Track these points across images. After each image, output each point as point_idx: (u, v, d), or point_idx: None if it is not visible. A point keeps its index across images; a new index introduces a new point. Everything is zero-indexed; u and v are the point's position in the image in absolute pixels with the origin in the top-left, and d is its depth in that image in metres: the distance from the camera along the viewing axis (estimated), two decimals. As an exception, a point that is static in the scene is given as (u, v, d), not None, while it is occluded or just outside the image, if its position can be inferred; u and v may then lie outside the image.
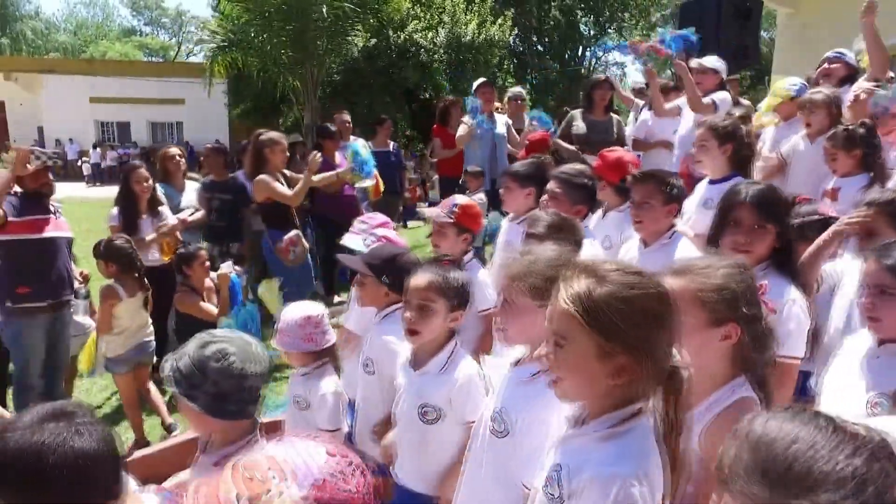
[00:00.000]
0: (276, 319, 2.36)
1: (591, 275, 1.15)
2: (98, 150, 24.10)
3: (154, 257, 4.49)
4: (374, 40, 14.79)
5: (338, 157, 5.88)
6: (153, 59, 45.30)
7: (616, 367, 1.12)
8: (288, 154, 5.03)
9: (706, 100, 4.39)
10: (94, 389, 4.52)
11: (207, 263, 4.39)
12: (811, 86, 4.17)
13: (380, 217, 3.06)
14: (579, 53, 28.53)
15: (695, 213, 3.17)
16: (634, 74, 36.04)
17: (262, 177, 4.51)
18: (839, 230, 2.20)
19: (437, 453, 1.88)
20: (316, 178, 4.73)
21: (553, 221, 2.34)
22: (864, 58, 4.17)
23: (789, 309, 1.82)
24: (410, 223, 11.12)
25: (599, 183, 3.03)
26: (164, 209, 4.67)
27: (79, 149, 25.28)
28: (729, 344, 1.39)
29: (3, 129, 26.89)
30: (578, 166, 3.06)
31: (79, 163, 24.21)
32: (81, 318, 4.21)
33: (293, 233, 4.68)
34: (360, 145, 6.38)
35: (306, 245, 4.81)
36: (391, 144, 7.36)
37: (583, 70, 27.95)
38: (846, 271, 2.35)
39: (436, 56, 15.72)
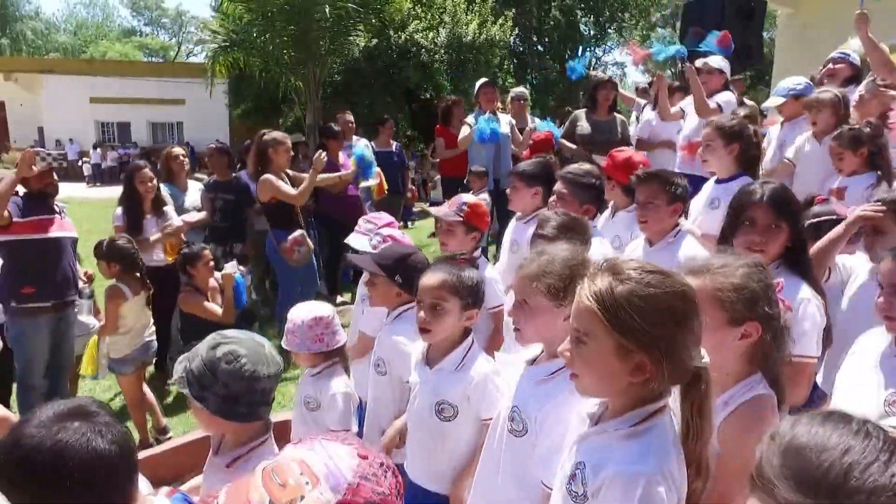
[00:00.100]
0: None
1: (614, 273, 1.16)
2: (98, 150, 24.07)
3: (158, 257, 4.49)
4: (374, 40, 14.76)
5: (341, 156, 5.88)
6: (153, 59, 45.27)
7: (635, 365, 1.13)
8: (292, 154, 5.01)
9: (711, 104, 4.38)
10: (97, 390, 4.51)
11: (211, 263, 4.39)
12: (815, 86, 4.17)
13: (385, 216, 3.05)
14: (579, 54, 28.52)
15: (701, 212, 3.17)
16: (634, 74, 36.12)
17: (266, 176, 4.50)
18: (852, 223, 2.21)
19: (451, 451, 1.88)
20: (319, 177, 4.71)
21: (562, 222, 2.33)
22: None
23: (804, 308, 1.82)
24: (415, 223, 11.12)
25: (608, 183, 3.03)
26: (169, 209, 4.66)
27: (79, 149, 25.26)
28: (746, 342, 1.39)
29: (4, 129, 26.90)
30: (585, 166, 3.05)
31: (79, 163, 24.20)
32: (85, 318, 4.20)
33: (298, 232, 4.66)
34: (364, 146, 6.39)
35: (311, 245, 4.80)
36: (394, 144, 7.35)
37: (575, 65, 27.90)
38: (856, 267, 2.36)
39: (436, 56, 15.69)
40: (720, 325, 1.38)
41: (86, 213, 10.18)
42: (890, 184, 3.18)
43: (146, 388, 4.00)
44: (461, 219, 2.65)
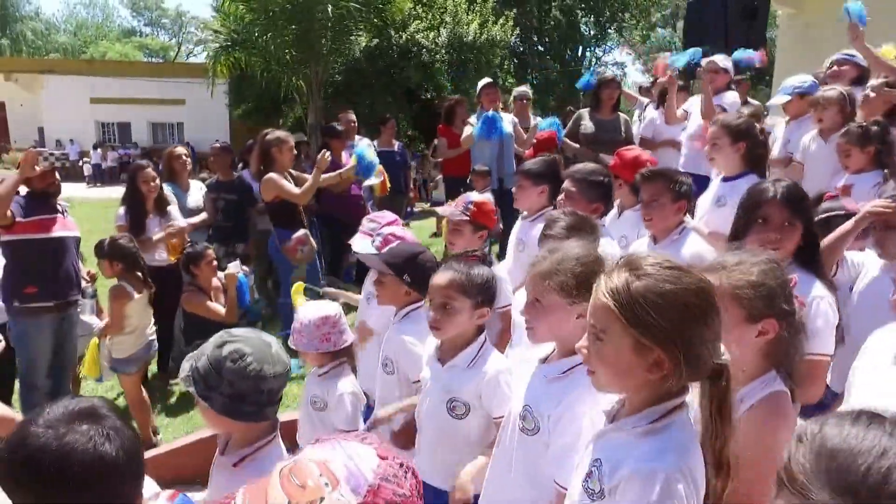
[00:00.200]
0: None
1: (631, 268, 1.15)
2: (99, 150, 24.07)
3: (161, 257, 4.47)
4: (375, 40, 14.75)
5: (344, 156, 5.87)
6: (153, 59, 45.26)
7: (653, 361, 1.12)
8: (295, 153, 5.00)
9: (716, 106, 4.38)
10: (99, 390, 4.49)
11: (215, 263, 4.38)
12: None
13: (388, 215, 3.04)
14: (579, 54, 28.51)
15: (708, 210, 3.16)
16: (634, 74, 36.12)
17: (270, 175, 4.48)
18: (862, 218, 2.21)
19: (461, 449, 1.87)
20: (322, 177, 4.69)
21: (571, 222, 2.31)
22: (885, 50, 4.18)
23: (817, 306, 1.81)
24: (414, 222, 11.09)
25: (615, 182, 3.02)
26: (173, 209, 4.65)
27: (79, 149, 25.26)
28: (764, 339, 1.38)
29: (4, 129, 26.87)
30: (592, 165, 3.04)
31: (80, 163, 24.19)
32: (88, 318, 4.18)
33: (301, 232, 4.65)
34: (366, 146, 6.37)
35: (314, 244, 4.78)
36: (396, 144, 7.34)
37: (583, 70, 27.95)
38: (866, 263, 2.35)
39: (437, 56, 15.67)
40: (738, 322, 1.37)
41: (86, 213, 10.18)
42: None
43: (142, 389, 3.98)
44: (468, 218, 2.64)
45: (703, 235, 2.78)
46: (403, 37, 15.40)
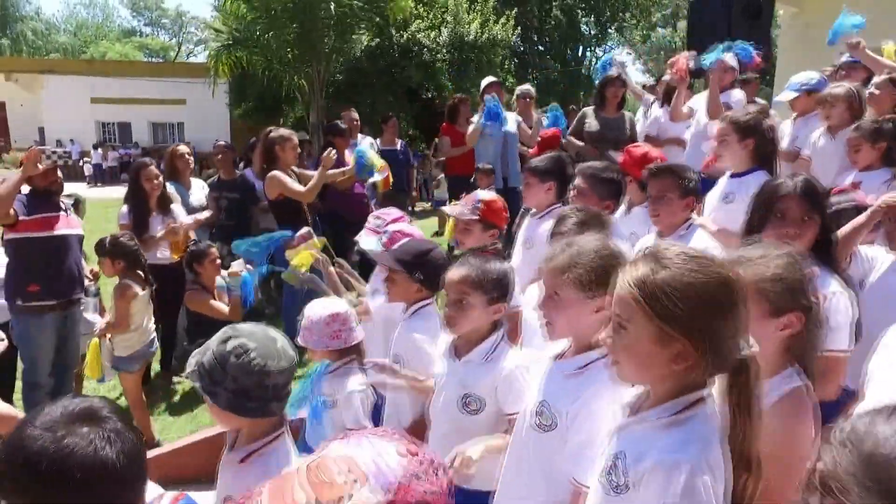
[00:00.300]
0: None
1: (654, 259, 1.15)
2: (99, 150, 24.06)
3: (164, 255, 4.45)
4: (376, 40, 14.73)
5: (347, 154, 5.84)
6: (153, 59, 45.24)
7: (676, 352, 1.12)
8: (298, 150, 4.98)
9: (723, 104, 4.36)
10: (102, 389, 4.47)
11: (218, 261, 4.36)
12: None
13: (394, 211, 3.02)
14: (580, 53, 28.50)
15: (716, 207, 3.13)
16: (635, 74, 36.10)
17: (274, 173, 4.46)
18: (877, 209, 2.20)
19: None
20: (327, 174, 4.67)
21: (582, 218, 2.29)
22: (887, 48, 4.18)
23: (835, 302, 1.80)
24: (415, 221, 11.06)
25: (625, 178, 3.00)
26: (176, 207, 4.63)
27: (80, 149, 25.25)
28: (786, 333, 1.36)
29: (4, 129, 26.85)
30: (603, 162, 3.02)
31: (80, 163, 24.18)
32: (91, 316, 4.16)
33: (305, 230, 4.59)
34: (367, 145, 6.34)
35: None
36: (399, 143, 7.31)
37: (583, 70, 27.93)
38: (878, 257, 2.34)
39: (438, 56, 15.64)
40: (760, 316, 1.35)
41: (87, 212, 10.12)
42: None
43: None
44: (477, 217, 2.62)
45: (710, 232, 2.76)
46: (405, 36, 15.38)
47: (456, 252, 5.92)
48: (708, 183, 3.39)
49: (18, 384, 3.95)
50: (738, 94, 4.57)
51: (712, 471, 1.08)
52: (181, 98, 26.29)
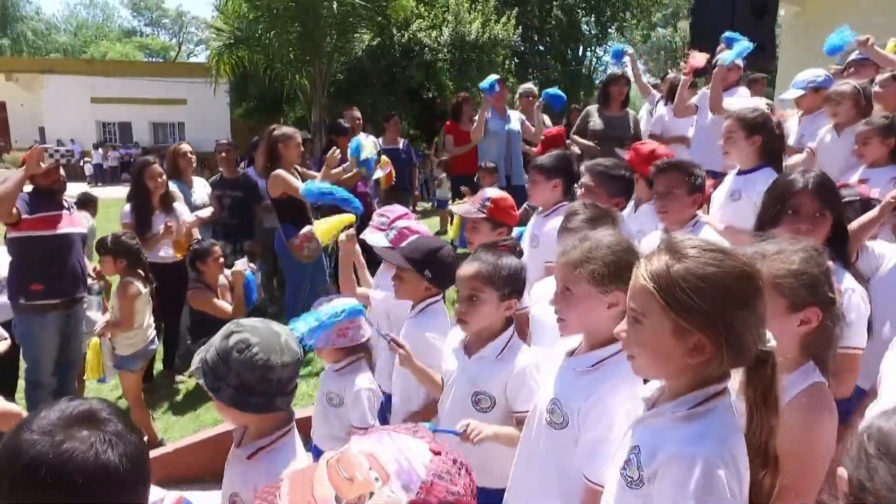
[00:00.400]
0: None
1: (671, 251, 1.13)
2: (100, 150, 24.06)
3: (167, 253, 4.43)
4: (377, 39, 14.71)
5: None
6: (153, 59, 45.23)
7: (693, 345, 1.10)
8: (302, 149, 4.96)
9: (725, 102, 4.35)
10: (104, 389, 4.45)
11: (222, 260, 4.34)
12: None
13: (398, 209, 3.00)
14: (580, 53, 28.49)
15: (723, 204, 3.12)
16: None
17: (278, 171, 4.44)
18: (887, 203, 2.19)
19: (484, 444, 1.81)
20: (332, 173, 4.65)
21: (591, 215, 2.27)
22: (891, 44, 4.17)
23: (849, 298, 1.78)
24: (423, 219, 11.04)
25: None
26: (179, 205, 4.61)
27: (80, 149, 25.24)
28: (805, 329, 1.34)
29: (4, 129, 26.84)
30: (612, 159, 3.00)
31: (81, 163, 24.18)
32: (94, 315, 4.14)
33: (307, 228, 4.59)
34: (371, 143, 6.32)
35: (320, 241, 4.73)
36: (401, 141, 7.29)
37: (583, 70, 27.91)
38: (886, 253, 2.33)
39: (440, 55, 15.61)
40: (779, 311, 1.34)
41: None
42: None
43: None
44: (484, 215, 2.60)
45: (716, 230, 2.75)
46: (405, 35, 15.34)
47: (459, 251, 5.92)
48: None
49: (21, 383, 3.93)
50: (742, 92, 4.56)
51: (729, 465, 1.06)
52: (181, 98, 26.29)
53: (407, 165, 7.31)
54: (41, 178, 3.66)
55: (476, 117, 5.93)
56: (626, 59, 5.33)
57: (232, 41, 11.48)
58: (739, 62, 4.58)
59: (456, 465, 0.79)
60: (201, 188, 5.27)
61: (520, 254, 2.01)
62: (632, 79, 5.48)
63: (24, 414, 2.97)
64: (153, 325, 3.95)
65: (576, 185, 3.07)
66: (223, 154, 5.56)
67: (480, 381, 1.83)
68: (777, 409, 1.12)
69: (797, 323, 1.36)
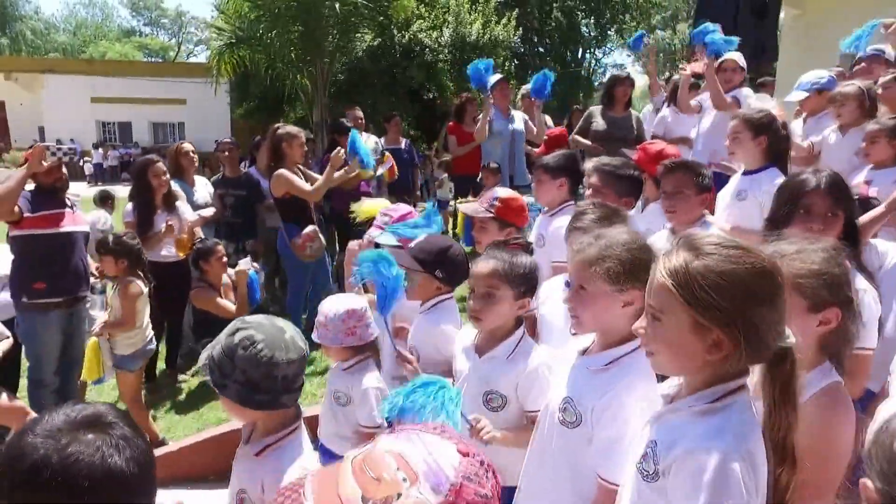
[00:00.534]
0: None
1: (690, 248, 1.13)
2: (100, 150, 24.02)
3: (170, 252, 4.41)
4: (378, 40, 14.71)
5: (352, 153, 5.81)
6: (153, 59, 45.18)
7: (712, 342, 1.10)
8: (305, 148, 4.94)
9: (727, 98, 4.35)
10: (105, 388, 4.43)
11: (225, 259, 4.32)
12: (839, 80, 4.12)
13: (402, 208, 2.99)
14: (579, 55, 28.52)
15: (728, 205, 3.12)
16: (634, 75, 36.09)
17: (281, 171, 4.42)
18: (892, 202, 2.18)
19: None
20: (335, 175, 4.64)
21: (600, 214, 2.25)
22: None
23: (861, 299, 1.76)
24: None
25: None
26: (181, 204, 4.59)
27: (80, 149, 25.18)
28: (825, 329, 1.34)
29: (4, 129, 26.79)
30: (620, 158, 2.99)
31: (81, 163, 24.14)
32: (97, 314, 4.13)
33: (310, 228, 4.59)
34: (374, 142, 6.31)
35: (323, 241, 4.73)
36: (403, 142, 7.28)
37: (583, 72, 27.93)
38: (890, 251, 2.33)
39: (440, 56, 15.62)
40: (799, 311, 1.33)
41: (87, 211, 10.09)
42: None
43: None
44: (492, 214, 2.58)
45: (724, 231, 2.74)
46: (406, 36, 15.35)
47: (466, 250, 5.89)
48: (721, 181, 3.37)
49: (23, 382, 3.92)
50: (745, 92, 4.55)
51: (745, 460, 1.06)
52: (181, 98, 26.29)
53: (409, 165, 7.28)
54: (43, 176, 3.64)
55: (479, 117, 5.91)
56: (644, 48, 5.31)
57: (233, 41, 11.47)
58: (743, 63, 4.59)
59: (483, 467, 0.77)
60: (203, 187, 5.25)
61: (531, 252, 2.00)
62: (641, 72, 5.48)
63: (29, 410, 2.97)
64: (150, 324, 3.95)
65: (581, 185, 3.06)
66: (226, 153, 5.55)
67: (492, 380, 1.82)
68: (796, 405, 1.12)
69: (817, 323, 1.36)
